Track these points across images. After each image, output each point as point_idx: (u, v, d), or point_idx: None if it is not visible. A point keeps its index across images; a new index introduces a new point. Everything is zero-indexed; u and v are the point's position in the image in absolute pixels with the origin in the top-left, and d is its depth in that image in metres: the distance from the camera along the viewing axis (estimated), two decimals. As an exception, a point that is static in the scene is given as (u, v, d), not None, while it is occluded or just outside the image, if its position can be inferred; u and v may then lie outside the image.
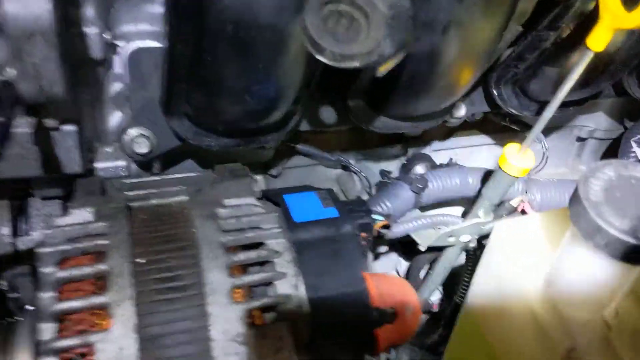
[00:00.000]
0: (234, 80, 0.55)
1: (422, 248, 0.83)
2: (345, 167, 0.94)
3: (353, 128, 0.93)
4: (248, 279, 0.56)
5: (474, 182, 0.86)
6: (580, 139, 1.09)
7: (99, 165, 0.77)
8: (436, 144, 1.00)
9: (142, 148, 0.71)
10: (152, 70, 0.66)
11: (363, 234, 0.65)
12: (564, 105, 0.84)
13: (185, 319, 0.54)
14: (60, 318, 0.52)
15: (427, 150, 1.00)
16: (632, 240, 0.46)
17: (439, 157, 1.01)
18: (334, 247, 0.60)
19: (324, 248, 0.60)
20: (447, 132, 1.00)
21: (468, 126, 1.02)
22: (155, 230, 0.59)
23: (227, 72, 0.55)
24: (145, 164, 0.78)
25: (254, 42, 0.51)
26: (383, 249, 1.00)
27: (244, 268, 0.59)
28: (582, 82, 0.75)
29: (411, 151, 0.99)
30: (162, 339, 0.52)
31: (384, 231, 0.71)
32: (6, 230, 0.67)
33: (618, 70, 0.72)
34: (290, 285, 0.57)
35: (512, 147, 0.73)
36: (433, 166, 0.97)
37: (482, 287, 0.70)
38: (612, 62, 0.70)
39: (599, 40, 0.61)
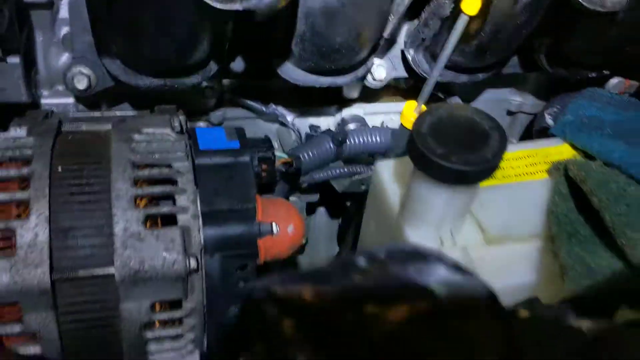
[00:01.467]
0: (143, 22, 0.65)
1: (339, 191, 0.93)
2: (282, 122, 1.03)
3: (295, 88, 1.03)
4: (150, 190, 0.67)
5: (393, 139, 0.96)
6: (510, 113, 1.18)
7: (49, 101, 0.89)
8: (370, 107, 1.09)
9: (81, 84, 0.81)
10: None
11: (264, 166, 0.75)
12: (471, 71, 0.94)
13: (93, 217, 0.64)
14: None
15: (361, 113, 1.09)
16: (446, 164, 0.55)
17: (374, 121, 1.10)
18: (231, 172, 0.70)
19: (221, 172, 0.70)
20: (380, 96, 1.09)
21: (401, 92, 1.11)
22: (76, 147, 0.69)
23: (134, 14, 0.64)
24: (89, 101, 0.88)
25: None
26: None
27: (151, 183, 0.69)
28: (478, 49, 0.84)
29: (347, 112, 1.08)
30: (72, 230, 0.63)
31: (284, 168, 0.81)
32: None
33: (505, 39, 0.81)
34: (188, 200, 0.68)
35: (410, 104, 0.83)
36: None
37: (366, 227, 0.79)
38: (497, 30, 0.78)
39: (472, 3, 0.69)
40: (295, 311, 0.35)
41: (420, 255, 0.33)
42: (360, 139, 0.96)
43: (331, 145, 0.94)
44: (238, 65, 0.88)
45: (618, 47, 0.86)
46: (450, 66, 0.90)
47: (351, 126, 1.05)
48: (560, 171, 0.69)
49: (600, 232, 0.61)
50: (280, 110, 1.01)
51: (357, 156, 0.98)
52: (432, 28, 0.84)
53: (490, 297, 0.33)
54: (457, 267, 0.33)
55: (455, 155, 0.55)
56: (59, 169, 0.66)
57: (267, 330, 0.35)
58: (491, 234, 0.65)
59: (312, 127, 1.03)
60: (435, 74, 0.77)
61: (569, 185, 0.68)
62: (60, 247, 0.62)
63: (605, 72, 0.98)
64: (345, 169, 0.94)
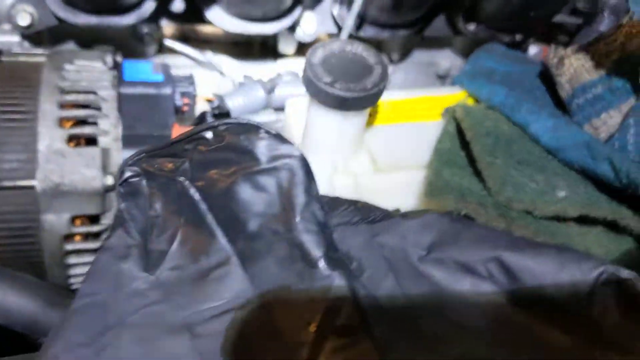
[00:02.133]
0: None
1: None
2: (220, 72, 1.10)
3: (235, 43, 1.10)
4: (75, 113, 0.73)
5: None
6: (440, 77, 1.26)
7: (-6, 39, 0.94)
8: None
9: (24, 21, 0.87)
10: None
11: (185, 100, 0.82)
12: (392, 27, 1.01)
13: (20, 135, 0.71)
14: None
15: (296, 69, 1.16)
16: (331, 91, 0.63)
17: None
18: (152, 102, 0.77)
19: (143, 102, 0.77)
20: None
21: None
22: (10, 72, 0.75)
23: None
24: (33, 41, 0.94)
25: None
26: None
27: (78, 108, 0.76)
28: (394, 3, 0.91)
29: (282, 67, 1.15)
30: (1, 145, 0.70)
31: (209, 105, 0.88)
32: None
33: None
34: (110, 124, 0.74)
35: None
36: (299, 80, 1.13)
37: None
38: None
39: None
40: (157, 178, 0.42)
41: (251, 127, 0.40)
42: (289, 89, 1.03)
43: (260, 93, 1.01)
44: (173, 7, 0.94)
45: (523, 11, 0.94)
46: (372, 22, 0.98)
47: (284, 78, 1.12)
48: (450, 113, 0.77)
49: (473, 163, 0.70)
50: (218, 59, 1.08)
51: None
52: (352, -16, 0.91)
53: (302, 159, 0.40)
54: (279, 136, 0.40)
55: (340, 83, 0.63)
56: (-9, 91, 0.72)
57: (133, 190, 0.42)
58: (381, 164, 0.73)
59: (246, 77, 1.10)
60: (348, 22, 0.84)
61: (457, 126, 0.76)
62: (-12, 159, 0.69)
63: (518, 37, 1.06)
64: (273, 114, 1.01)
